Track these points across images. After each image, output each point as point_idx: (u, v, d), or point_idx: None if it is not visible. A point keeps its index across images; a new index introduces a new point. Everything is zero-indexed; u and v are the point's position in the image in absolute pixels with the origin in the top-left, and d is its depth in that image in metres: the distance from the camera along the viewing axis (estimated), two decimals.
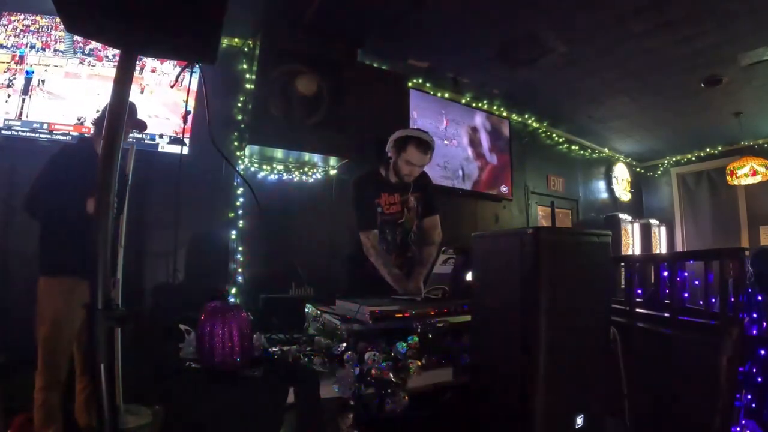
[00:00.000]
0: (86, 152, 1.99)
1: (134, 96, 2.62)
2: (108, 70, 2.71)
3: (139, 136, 2.76)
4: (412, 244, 2.16)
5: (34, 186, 1.88)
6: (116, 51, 0.86)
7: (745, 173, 4.88)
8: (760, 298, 1.69)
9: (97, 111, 2.13)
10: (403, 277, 1.95)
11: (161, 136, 2.84)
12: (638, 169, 6.83)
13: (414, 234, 2.16)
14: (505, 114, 4.83)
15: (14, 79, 2.56)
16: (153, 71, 2.84)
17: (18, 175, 2.48)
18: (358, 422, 1.03)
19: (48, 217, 1.90)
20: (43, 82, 2.61)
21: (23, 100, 2.56)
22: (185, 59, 1.07)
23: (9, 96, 2.53)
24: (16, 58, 2.58)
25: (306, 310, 1.61)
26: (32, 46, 2.62)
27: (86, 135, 2.38)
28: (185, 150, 2.73)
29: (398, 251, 2.12)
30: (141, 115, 2.76)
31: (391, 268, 1.95)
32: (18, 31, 2.62)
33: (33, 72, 2.60)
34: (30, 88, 2.58)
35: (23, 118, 2.54)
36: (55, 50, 2.66)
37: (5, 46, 2.58)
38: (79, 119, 2.64)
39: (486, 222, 4.61)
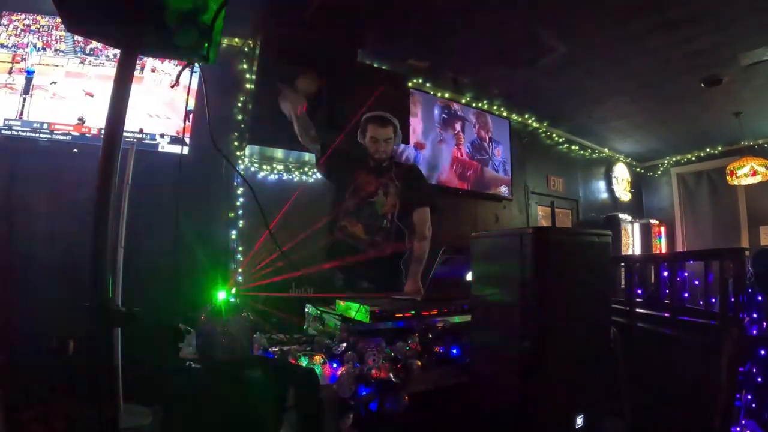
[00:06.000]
0: None
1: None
2: (108, 70, 2.72)
3: (140, 135, 2.76)
4: (385, 232, 2.18)
5: None
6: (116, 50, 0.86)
7: (745, 173, 4.88)
8: (760, 298, 1.69)
9: None
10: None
11: (161, 135, 2.83)
12: (638, 169, 6.83)
13: (388, 221, 2.18)
14: (505, 114, 4.82)
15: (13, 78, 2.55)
16: (153, 71, 2.84)
17: (18, 174, 2.48)
18: (358, 422, 1.03)
19: None
20: (54, 83, 2.61)
21: (24, 99, 2.56)
22: (185, 59, 1.07)
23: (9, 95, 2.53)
24: (17, 58, 2.58)
25: (306, 310, 1.61)
26: (33, 46, 2.62)
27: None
28: (185, 150, 2.73)
29: (365, 225, 2.18)
30: (142, 114, 2.78)
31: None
32: (19, 30, 2.62)
33: (33, 71, 2.60)
34: (31, 87, 2.58)
35: (24, 117, 2.54)
36: (56, 50, 2.66)
37: (6, 46, 2.58)
38: (79, 119, 2.65)
39: (486, 222, 4.60)
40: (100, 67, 2.74)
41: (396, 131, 2.21)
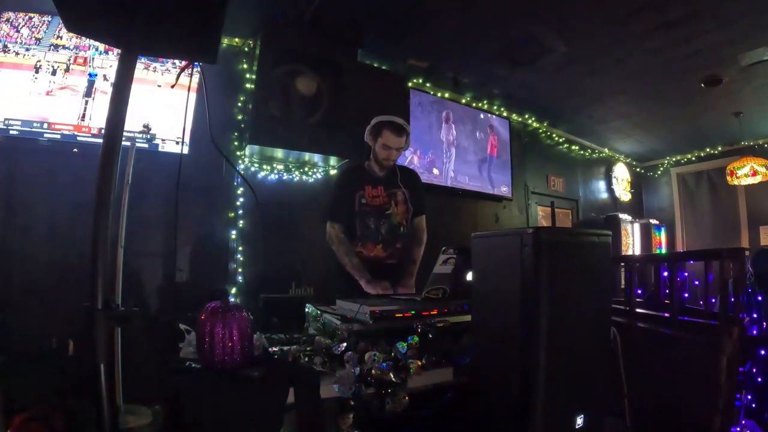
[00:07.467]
0: None
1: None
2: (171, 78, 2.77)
3: (139, 135, 2.76)
4: (402, 237, 2.21)
5: None
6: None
7: (745, 173, 4.87)
8: (760, 298, 1.69)
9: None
10: (362, 267, 2.03)
11: (161, 136, 2.83)
12: (638, 169, 6.83)
13: (404, 227, 2.20)
14: (505, 114, 4.83)
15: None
16: (153, 70, 2.84)
17: (18, 174, 2.48)
18: (358, 422, 1.03)
19: None
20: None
21: (86, 102, 2.56)
22: (185, 59, 1.07)
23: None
24: (80, 60, 2.56)
25: (306, 310, 1.61)
26: (95, 49, 2.61)
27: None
28: (185, 150, 2.73)
29: (385, 242, 2.16)
30: (142, 114, 2.78)
31: (352, 257, 2.06)
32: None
33: (96, 75, 2.60)
34: (93, 90, 2.58)
35: (86, 121, 2.54)
36: (119, 54, 2.66)
37: (67, 47, 2.56)
38: (144, 126, 2.70)
39: (486, 222, 4.61)
40: (167, 75, 2.77)
41: (407, 139, 2.16)
